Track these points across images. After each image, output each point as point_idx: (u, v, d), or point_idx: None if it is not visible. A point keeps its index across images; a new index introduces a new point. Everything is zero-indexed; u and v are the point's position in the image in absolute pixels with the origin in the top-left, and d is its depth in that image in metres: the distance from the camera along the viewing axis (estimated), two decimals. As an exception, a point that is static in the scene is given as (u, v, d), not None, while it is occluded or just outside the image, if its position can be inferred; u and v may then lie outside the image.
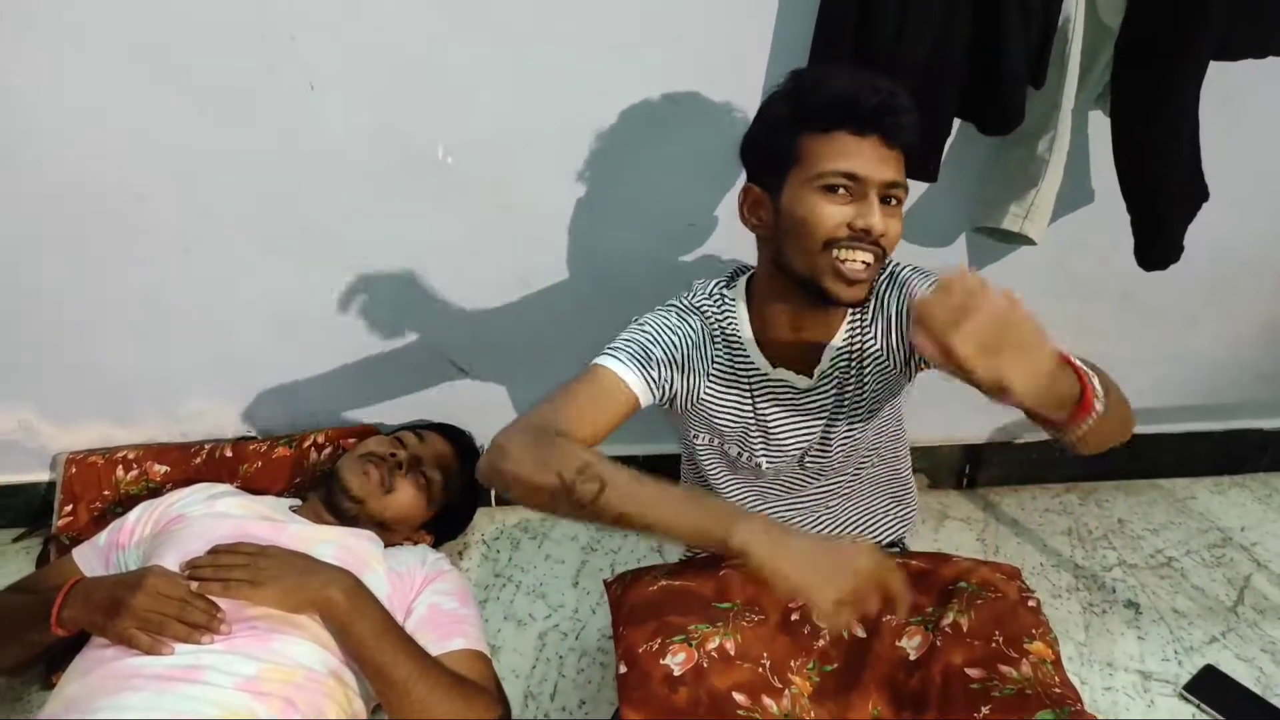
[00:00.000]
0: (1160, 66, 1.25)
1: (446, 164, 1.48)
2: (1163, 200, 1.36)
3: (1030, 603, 1.20)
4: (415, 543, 1.53)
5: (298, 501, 1.51)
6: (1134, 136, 1.33)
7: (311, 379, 1.75)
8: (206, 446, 1.74)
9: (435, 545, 1.57)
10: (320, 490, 1.50)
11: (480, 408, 1.82)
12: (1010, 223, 1.42)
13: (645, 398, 1.17)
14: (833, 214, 1.06)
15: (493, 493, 1.92)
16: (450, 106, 1.43)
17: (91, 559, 1.41)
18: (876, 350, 1.21)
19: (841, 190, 1.05)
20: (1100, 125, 1.41)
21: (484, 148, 1.48)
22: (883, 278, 1.20)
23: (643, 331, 1.19)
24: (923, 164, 1.37)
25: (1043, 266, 1.65)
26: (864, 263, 1.07)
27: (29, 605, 1.28)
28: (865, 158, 1.04)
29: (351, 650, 1.20)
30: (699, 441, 1.32)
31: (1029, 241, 1.43)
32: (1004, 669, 1.11)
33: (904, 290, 1.17)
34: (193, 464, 1.71)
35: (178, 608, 1.16)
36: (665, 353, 1.18)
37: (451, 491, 1.56)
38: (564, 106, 1.45)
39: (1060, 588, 1.71)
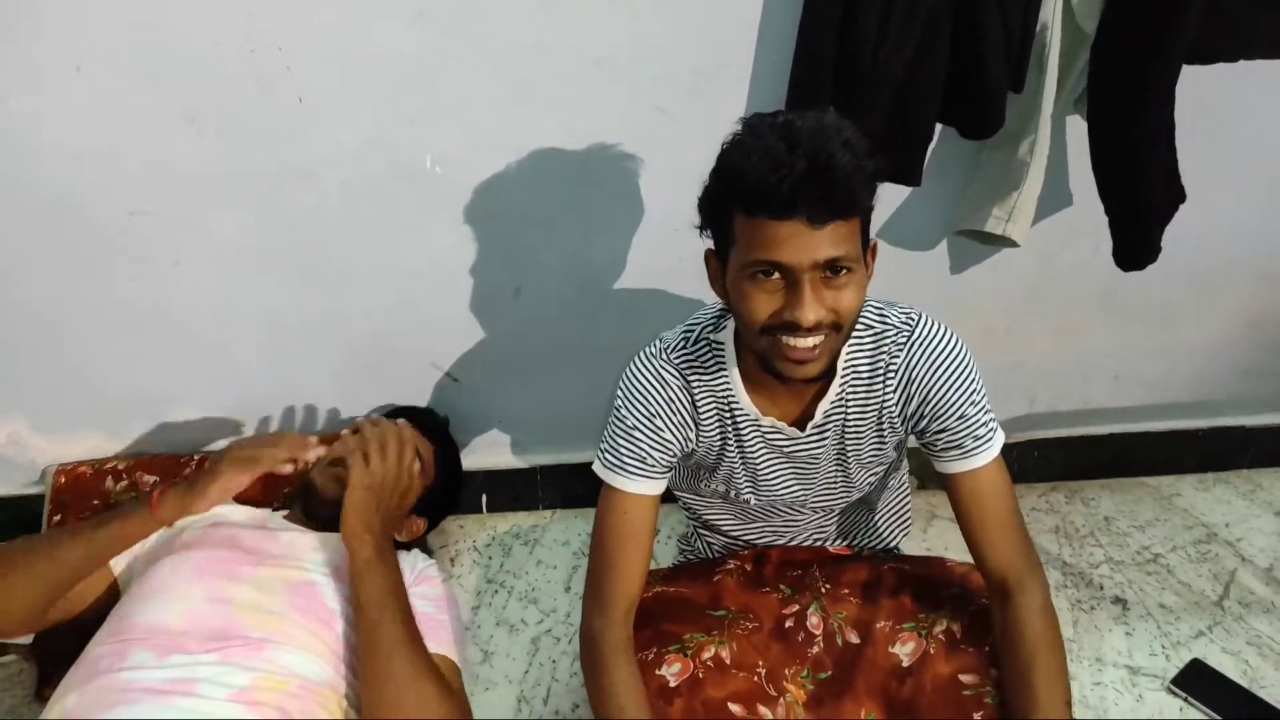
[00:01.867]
0: (1135, 71, 1.27)
1: (435, 174, 1.49)
2: (1140, 202, 1.38)
3: None
4: (411, 533, 1.53)
5: (287, 510, 1.51)
6: (1111, 140, 1.35)
7: (302, 389, 1.75)
8: (196, 458, 1.74)
9: (430, 527, 1.58)
10: (300, 501, 1.48)
11: (472, 415, 1.83)
12: (993, 225, 1.44)
13: (664, 484, 1.20)
14: (763, 304, 0.98)
15: (484, 498, 1.93)
16: (438, 117, 1.44)
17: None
18: (894, 415, 1.18)
19: (774, 275, 0.97)
20: (1078, 129, 1.43)
21: (472, 158, 1.49)
22: (911, 346, 1.14)
23: (629, 437, 1.17)
24: (906, 169, 1.39)
25: (1025, 268, 1.67)
26: (811, 345, 0.99)
27: (100, 519, 1.31)
28: (788, 245, 0.94)
29: (357, 600, 1.22)
30: (696, 483, 1.32)
31: (1011, 244, 1.45)
32: (994, 673, 1.12)
33: (931, 383, 1.13)
34: (182, 475, 1.71)
35: (269, 441, 1.32)
36: (657, 448, 1.17)
37: (430, 473, 1.55)
38: (551, 117, 1.46)
39: (1049, 585, 1.73)
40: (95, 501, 1.69)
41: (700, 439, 1.20)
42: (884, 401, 1.16)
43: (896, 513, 1.46)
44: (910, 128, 1.34)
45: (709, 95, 1.43)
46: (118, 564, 1.39)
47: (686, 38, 1.39)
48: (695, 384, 1.17)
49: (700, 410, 1.18)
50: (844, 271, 0.97)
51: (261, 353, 1.69)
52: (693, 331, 1.19)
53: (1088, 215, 1.47)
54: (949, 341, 1.14)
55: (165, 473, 1.71)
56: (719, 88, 1.42)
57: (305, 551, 1.34)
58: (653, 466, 1.16)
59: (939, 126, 1.40)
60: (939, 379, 1.12)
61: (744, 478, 1.25)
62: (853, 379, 1.16)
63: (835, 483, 1.27)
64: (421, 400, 1.79)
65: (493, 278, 1.64)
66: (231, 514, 1.43)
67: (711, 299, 1.17)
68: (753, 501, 1.29)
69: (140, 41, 1.34)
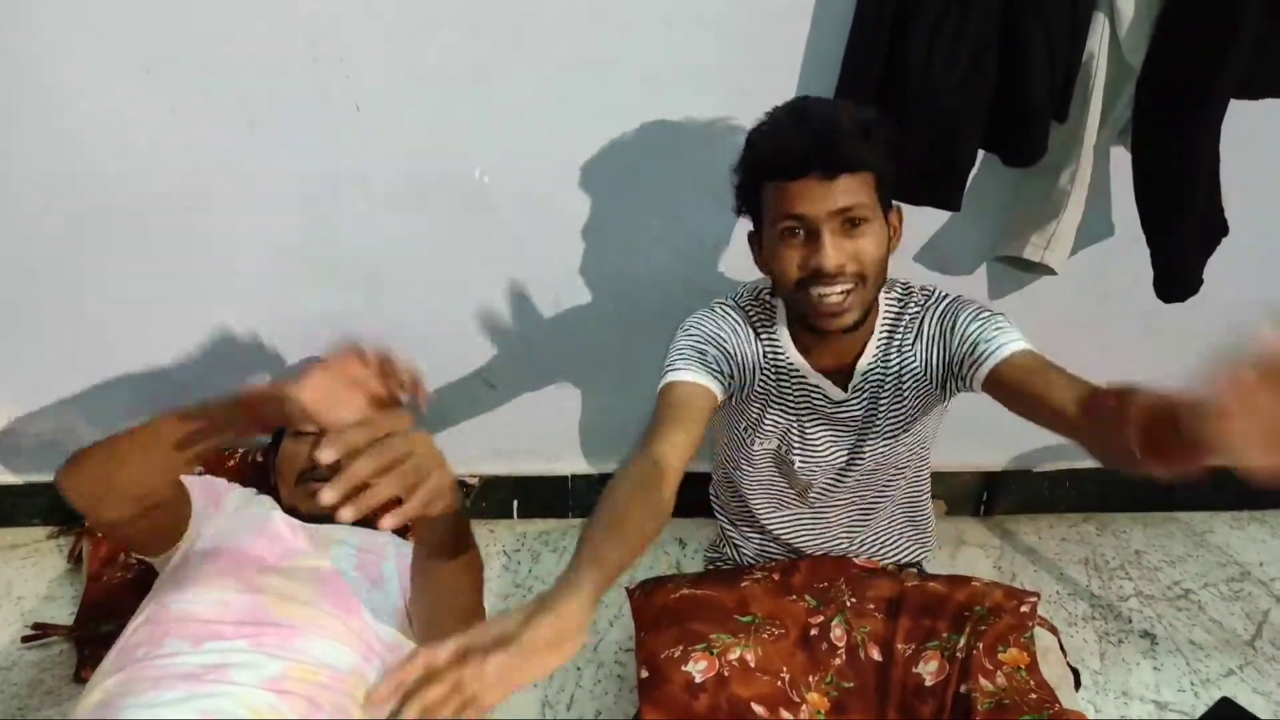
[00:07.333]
0: (1181, 105, 1.28)
1: (483, 183, 1.53)
2: (1182, 234, 1.38)
3: (1023, 608, 1.22)
4: None
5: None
6: (1154, 171, 1.35)
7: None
8: (239, 451, 1.79)
9: None
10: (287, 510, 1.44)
11: (506, 421, 1.86)
12: (1031, 253, 1.44)
13: (716, 389, 1.20)
14: (790, 258, 1.10)
15: (515, 503, 1.96)
16: (489, 129, 1.48)
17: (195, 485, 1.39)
18: (917, 370, 1.24)
19: (799, 232, 1.09)
20: (1122, 160, 1.44)
21: (519, 169, 1.52)
22: (929, 302, 1.23)
23: (690, 338, 1.23)
24: (947, 194, 1.41)
25: (1064, 297, 1.67)
26: (840, 293, 1.09)
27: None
28: (806, 197, 1.07)
29: (436, 545, 1.09)
30: (755, 446, 1.34)
31: (1050, 271, 1.46)
32: (983, 681, 1.13)
33: (946, 317, 1.21)
34: (226, 466, 1.75)
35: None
36: (717, 349, 1.22)
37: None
38: (597, 132, 1.49)
39: (1076, 616, 1.72)
40: (141, 489, 1.73)
41: (751, 376, 1.27)
42: (904, 361, 1.24)
43: (922, 529, 1.48)
44: (953, 153, 1.36)
45: (754, 115, 1.45)
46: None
47: (733, 58, 1.41)
48: (761, 331, 1.27)
49: (762, 350, 1.27)
50: (861, 223, 1.09)
51: (303, 353, 1.72)
52: (752, 291, 1.29)
53: (1128, 246, 1.47)
54: (959, 296, 1.24)
55: (208, 464, 1.75)
56: (764, 108, 1.44)
57: (328, 542, 1.36)
58: (708, 361, 1.21)
59: (981, 153, 1.41)
60: (949, 310, 1.22)
61: (793, 436, 1.30)
62: (885, 343, 1.25)
63: (866, 448, 1.31)
64: (459, 404, 1.82)
65: (534, 288, 1.67)
66: (250, 504, 1.44)
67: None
68: (797, 464, 1.32)
69: (208, 48, 1.40)
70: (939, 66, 1.27)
